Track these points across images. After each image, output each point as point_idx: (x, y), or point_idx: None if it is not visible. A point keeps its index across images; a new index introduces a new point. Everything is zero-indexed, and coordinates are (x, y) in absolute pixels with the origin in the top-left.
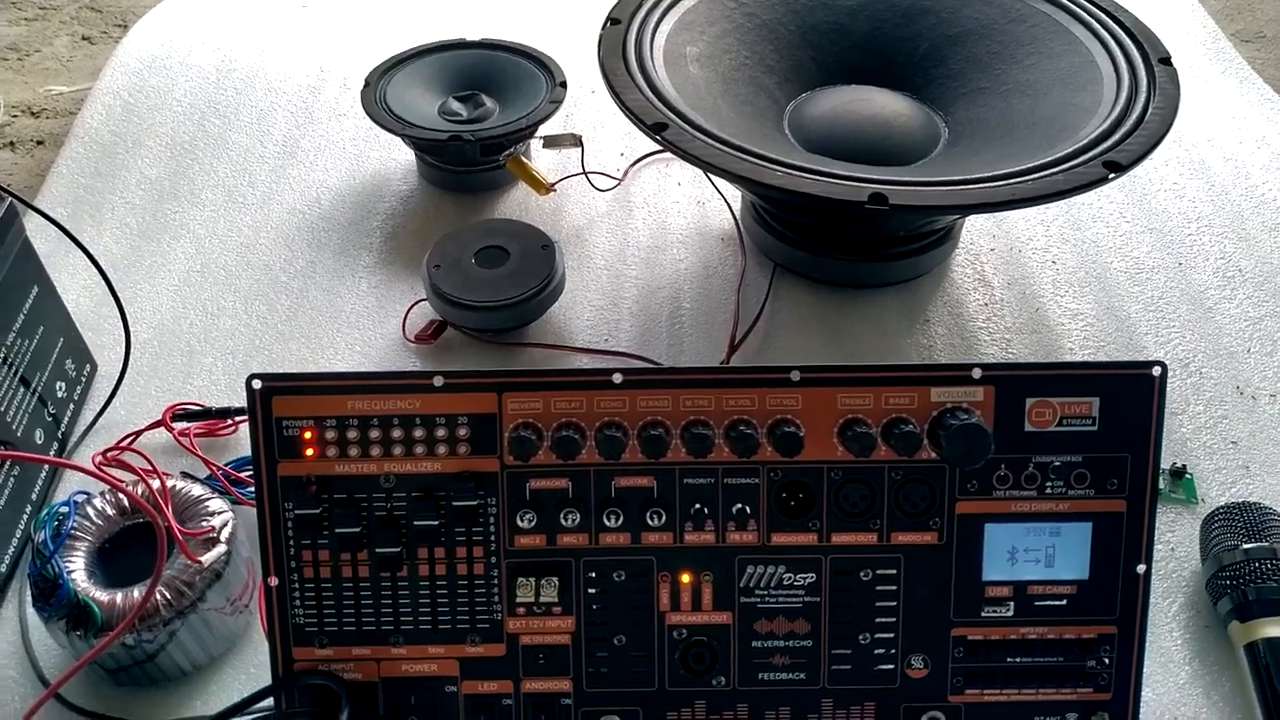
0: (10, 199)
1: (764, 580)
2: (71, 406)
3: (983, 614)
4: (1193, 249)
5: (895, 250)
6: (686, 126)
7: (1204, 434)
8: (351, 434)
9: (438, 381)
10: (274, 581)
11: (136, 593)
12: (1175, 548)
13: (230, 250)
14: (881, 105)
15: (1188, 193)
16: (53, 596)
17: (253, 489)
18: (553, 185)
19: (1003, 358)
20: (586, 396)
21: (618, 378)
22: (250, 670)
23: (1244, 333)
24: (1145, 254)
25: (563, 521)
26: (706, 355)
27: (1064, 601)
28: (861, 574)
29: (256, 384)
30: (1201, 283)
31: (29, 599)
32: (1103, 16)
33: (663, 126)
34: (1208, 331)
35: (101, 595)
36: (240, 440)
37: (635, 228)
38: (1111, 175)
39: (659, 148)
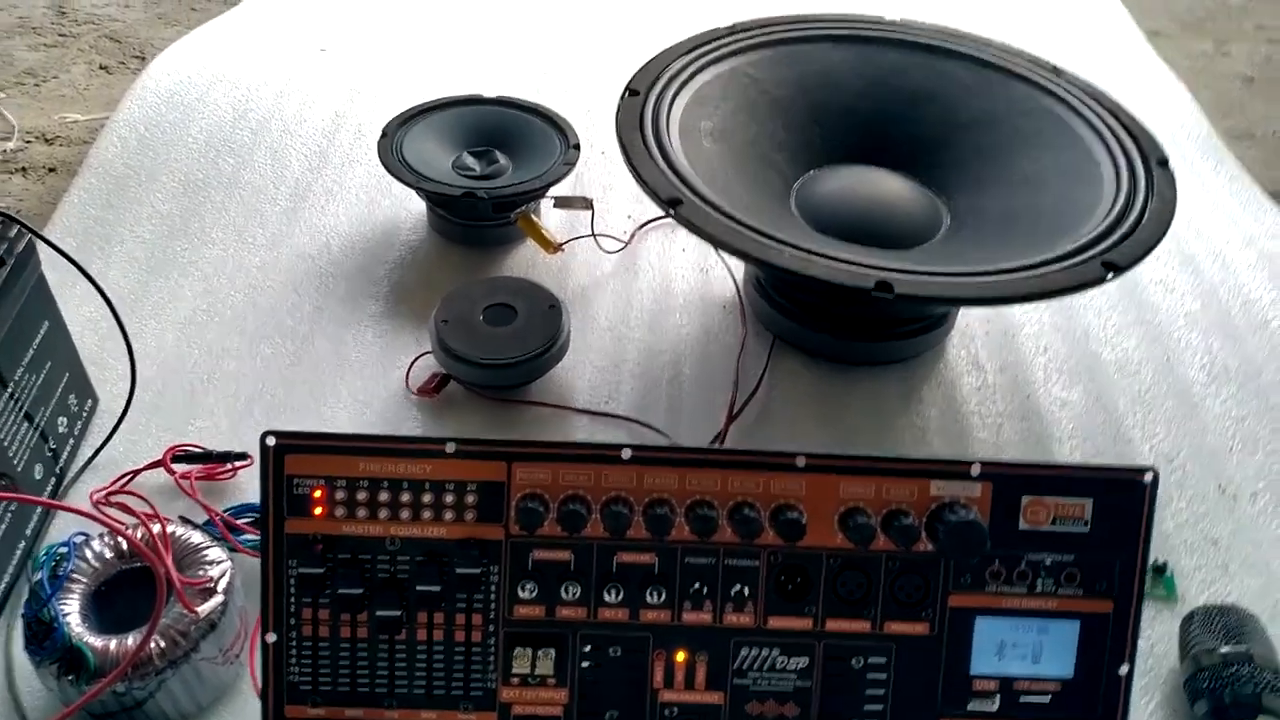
0: (30, 235)
1: (758, 663)
2: (71, 442)
3: (969, 707)
4: (1180, 344)
5: (893, 331)
6: (699, 202)
7: (1185, 531)
8: (361, 495)
9: (450, 448)
10: (272, 638)
11: (131, 640)
12: (1154, 644)
13: (238, 291)
14: (887, 188)
15: (1177, 288)
16: (47, 640)
17: (250, 537)
18: (561, 245)
19: (993, 443)
20: (594, 470)
21: (626, 453)
22: None
23: (1227, 431)
24: (1134, 347)
25: (563, 594)
26: (705, 422)
27: (1048, 698)
28: (853, 661)
29: (270, 440)
30: (1188, 379)
31: (17, 637)
32: (1105, 114)
33: (677, 202)
34: (1192, 428)
35: (95, 641)
36: (239, 486)
37: (640, 291)
38: (1110, 276)
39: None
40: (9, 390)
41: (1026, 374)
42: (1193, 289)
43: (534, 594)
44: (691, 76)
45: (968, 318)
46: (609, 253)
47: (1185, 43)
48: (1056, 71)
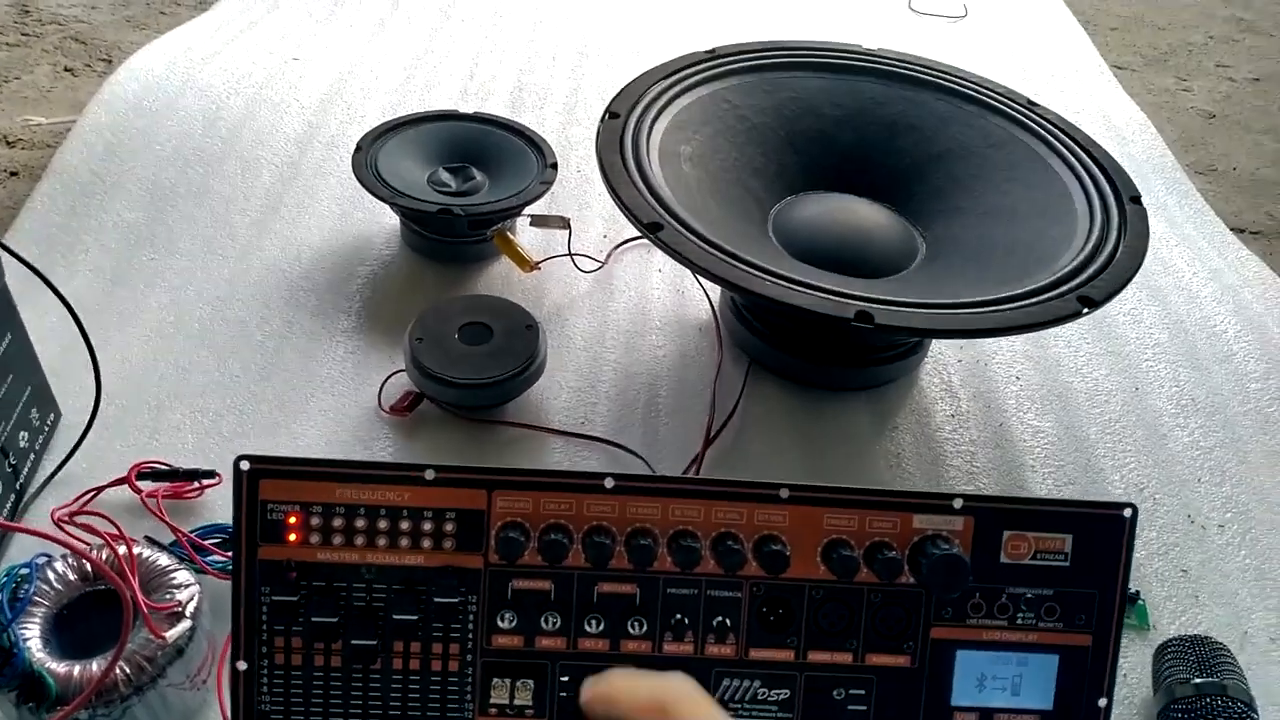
0: None
1: (739, 694)
2: (32, 457)
3: None
4: (1149, 375)
5: (868, 357)
6: (680, 228)
7: (1156, 560)
8: (337, 521)
9: (429, 475)
10: (243, 666)
11: (95, 665)
12: (1127, 674)
13: (206, 303)
14: (863, 217)
15: (1145, 319)
16: (6, 666)
17: (218, 558)
18: (538, 264)
19: (967, 470)
20: (576, 499)
21: (609, 482)
22: None
23: (1195, 462)
24: (1104, 376)
25: (543, 624)
26: (681, 446)
27: None
28: (835, 693)
29: (244, 465)
30: (1156, 409)
31: None
32: (1078, 150)
33: (658, 227)
34: (1161, 458)
35: (58, 667)
36: (207, 504)
37: (616, 311)
38: (1085, 310)
39: (639, 234)
40: None
41: (999, 402)
42: (1160, 320)
43: (513, 624)
44: (671, 101)
45: (941, 345)
46: (585, 272)
47: (1149, 78)
48: (1031, 104)
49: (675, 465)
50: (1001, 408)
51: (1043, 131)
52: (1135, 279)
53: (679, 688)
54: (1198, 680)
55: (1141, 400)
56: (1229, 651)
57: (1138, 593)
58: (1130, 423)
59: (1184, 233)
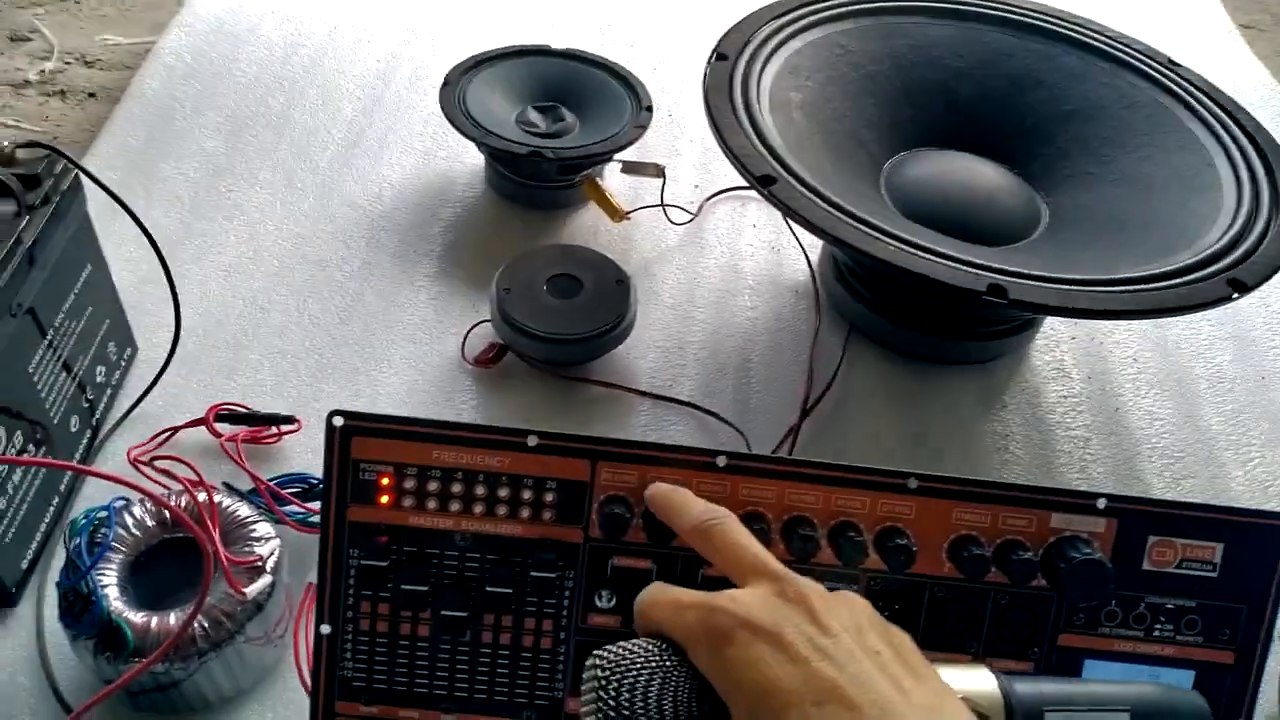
0: (75, 171)
1: None
2: (109, 392)
3: None
4: (1277, 363)
5: (978, 330)
6: (793, 182)
7: None
8: (431, 485)
9: (531, 441)
10: (326, 629)
11: (173, 618)
12: None
13: (285, 239)
14: (983, 177)
15: (1273, 303)
16: (84, 614)
17: (296, 509)
18: (628, 213)
19: (1080, 457)
20: (685, 476)
21: (721, 461)
22: (279, 709)
23: None
24: (1228, 363)
25: None
26: (775, 415)
27: None
28: None
29: (338, 421)
30: None
31: (49, 600)
32: (1223, 116)
33: (770, 180)
34: None
35: (135, 617)
36: (284, 452)
37: (707, 268)
38: (1235, 295)
39: (734, 185)
40: (48, 338)
41: (1115, 385)
42: None
43: (611, 603)
44: (782, 43)
45: (1054, 321)
46: (676, 224)
47: (1279, 38)
48: (1172, 64)
49: (768, 436)
50: (1118, 391)
51: (1185, 95)
52: None
53: (724, 513)
54: None
55: (1268, 391)
56: None
57: None
58: (1255, 414)
59: None
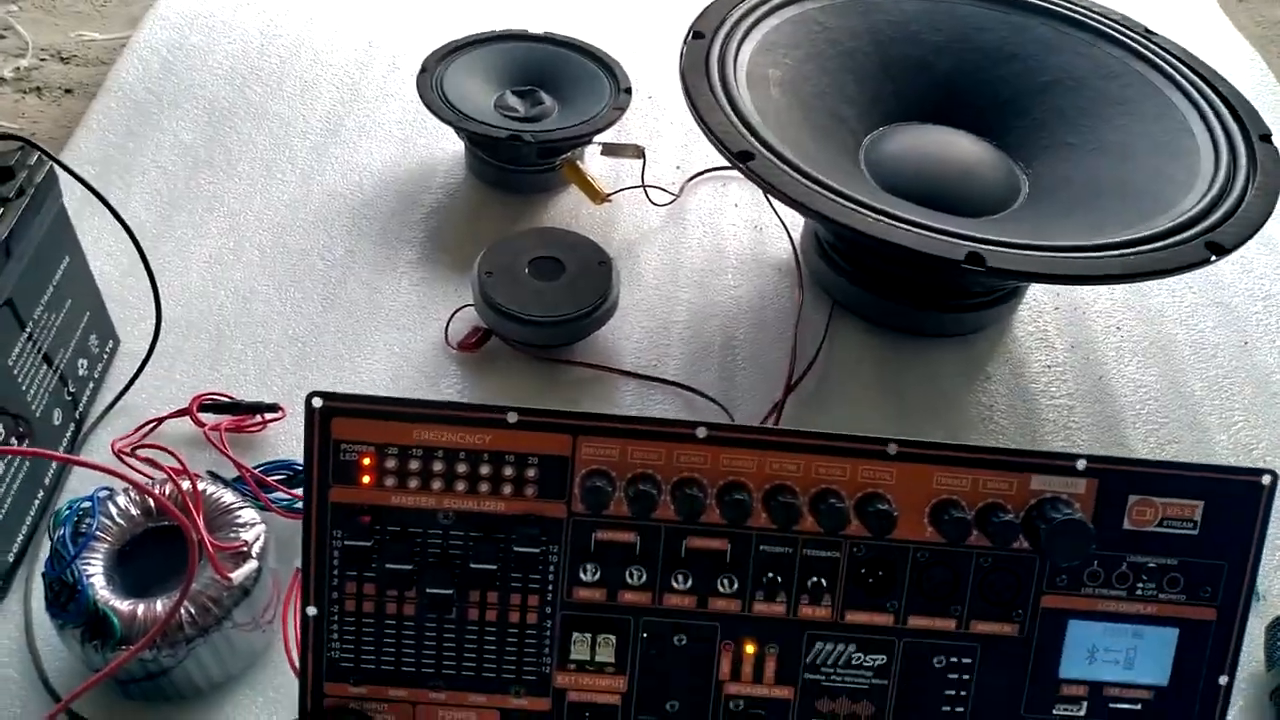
0: (50, 163)
1: (832, 658)
2: (92, 385)
3: (1054, 711)
4: (1259, 329)
5: (961, 302)
6: (771, 158)
7: (1269, 529)
8: (413, 465)
9: (512, 418)
10: (312, 611)
11: (159, 605)
12: None
13: (266, 229)
14: (962, 150)
15: (1255, 268)
16: (70, 603)
17: (282, 496)
18: (609, 195)
19: (1064, 425)
20: (666, 448)
21: (701, 432)
22: (269, 693)
23: None
24: (1210, 329)
25: (627, 578)
26: (760, 392)
27: (1139, 706)
28: (935, 660)
29: (317, 402)
30: (1267, 365)
31: (36, 592)
32: (1199, 83)
33: (748, 156)
34: (1272, 418)
35: (121, 605)
36: (268, 440)
37: (689, 248)
38: (1213, 258)
39: (716, 165)
40: (27, 331)
41: (1098, 353)
42: (1273, 271)
43: (596, 577)
44: (758, 21)
45: (1036, 291)
46: (658, 205)
47: (1259, 8)
48: (1149, 33)
49: (754, 412)
50: (1101, 359)
51: (1161, 63)
52: None
53: None
54: None
55: (1250, 355)
56: None
57: None
58: (1239, 379)
59: None
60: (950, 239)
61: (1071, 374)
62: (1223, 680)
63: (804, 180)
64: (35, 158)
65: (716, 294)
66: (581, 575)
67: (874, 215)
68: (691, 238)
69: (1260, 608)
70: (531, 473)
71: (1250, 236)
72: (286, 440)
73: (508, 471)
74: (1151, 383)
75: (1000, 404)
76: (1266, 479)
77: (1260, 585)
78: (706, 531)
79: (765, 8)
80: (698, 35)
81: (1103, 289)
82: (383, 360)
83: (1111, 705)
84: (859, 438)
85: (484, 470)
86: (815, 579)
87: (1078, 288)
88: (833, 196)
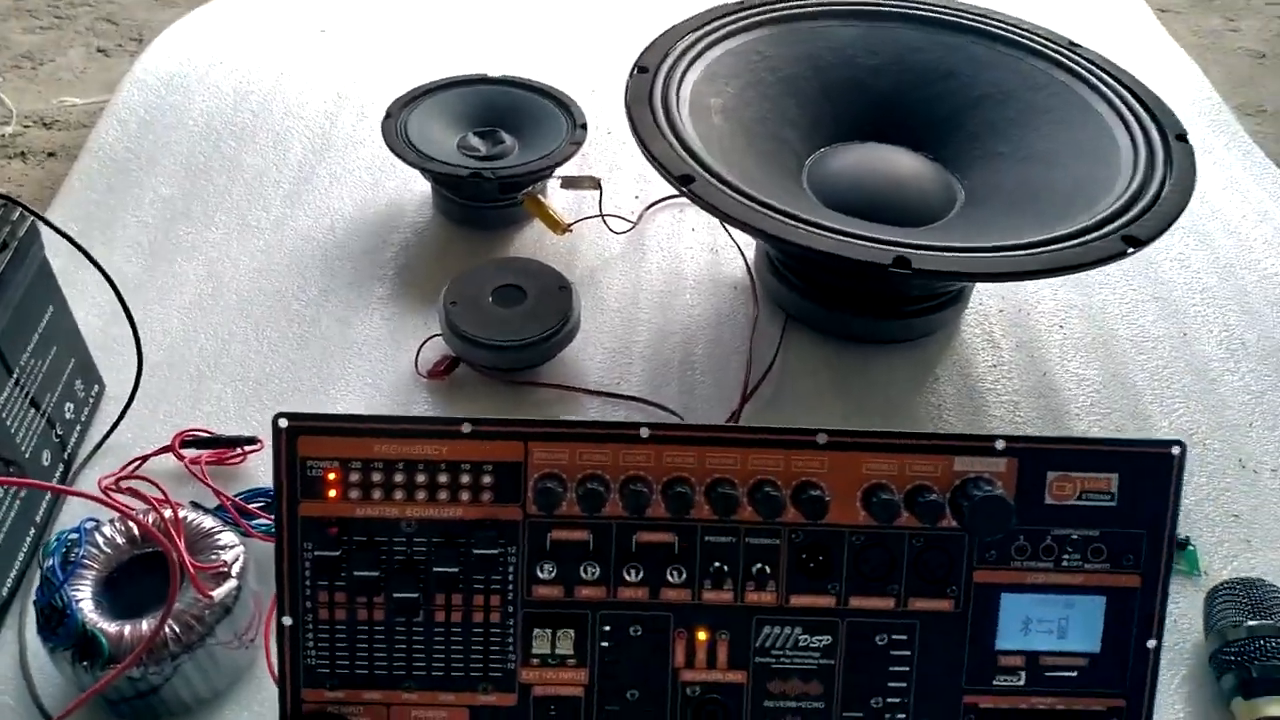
0: (32, 218)
1: (780, 641)
2: (79, 428)
3: (994, 682)
4: (1197, 320)
5: (907, 309)
6: (711, 179)
7: (1206, 506)
8: (376, 477)
9: (465, 428)
10: (288, 621)
11: (145, 625)
12: (1178, 619)
13: (243, 274)
14: (900, 165)
15: (1192, 264)
16: (60, 626)
17: (262, 521)
18: (569, 226)
19: (1011, 420)
20: (612, 449)
21: (644, 432)
22: (254, 708)
23: (1247, 406)
24: (1151, 323)
25: (582, 574)
26: (718, 403)
27: (1075, 673)
28: (877, 638)
29: (283, 423)
30: (1205, 354)
31: (29, 624)
32: (1121, 90)
33: (689, 179)
34: (1211, 403)
35: (109, 626)
36: (249, 470)
37: (649, 271)
38: (1130, 250)
39: (674, 192)
40: (14, 376)
41: (1043, 351)
42: (1209, 264)
43: (553, 574)
44: (701, 53)
45: (982, 295)
46: (617, 233)
47: (1195, 19)
48: (1073, 46)
49: (713, 422)
50: (1045, 357)
51: (1084, 73)
52: (1182, 222)
53: None
54: (1251, 622)
55: (1190, 346)
56: None
57: (1188, 539)
58: (1179, 368)
59: (1232, 175)
60: (879, 245)
61: (1017, 372)
62: (1151, 644)
63: (743, 199)
64: (18, 213)
65: (675, 313)
66: (539, 574)
67: (806, 227)
68: (651, 262)
69: (1201, 581)
70: (487, 479)
71: (1166, 228)
72: (266, 470)
73: (464, 479)
74: (1094, 376)
75: (949, 403)
76: (1176, 449)
77: (1201, 561)
78: (654, 526)
79: (706, 41)
80: (642, 70)
81: (1046, 291)
82: (356, 392)
83: (1048, 674)
84: (790, 430)
85: (442, 479)
86: (759, 566)
87: (1022, 291)
88: (768, 213)
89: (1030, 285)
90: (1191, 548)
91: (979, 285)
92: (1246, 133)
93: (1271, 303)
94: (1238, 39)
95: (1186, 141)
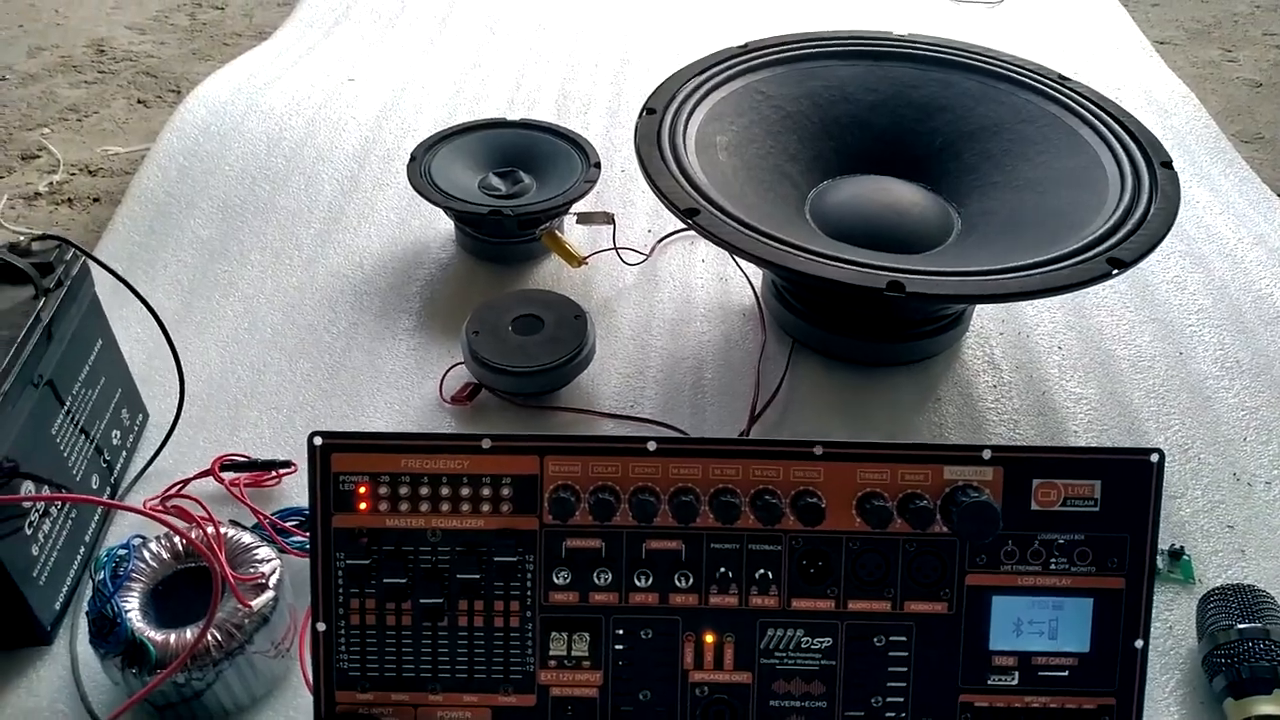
0: (83, 258)
1: (783, 643)
2: (124, 454)
3: (989, 682)
4: (1193, 340)
5: (909, 332)
6: (716, 212)
7: (1201, 518)
8: (403, 490)
9: (485, 444)
10: (322, 627)
11: (189, 633)
12: (1173, 626)
13: (277, 309)
14: (898, 195)
15: (1188, 286)
16: (110, 634)
17: (297, 538)
18: (585, 259)
19: (1011, 438)
20: (622, 462)
21: (652, 445)
22: (289, 713)
23: (1241, 422)
24: (1147, 343)
25: (595, 580)
26: (727, 425)
27: (1066, 673)
28: (875, 640)
29: (318, 441)
30: (1201, 372)
31: (81, 635)
32: (1109, 120)
33: (694, 212)
34: (1206, 419)
35: (156, 634)
36: (284, 491)
37: (661, 301)
38: (1115, 271)
39: (683, 226)
40: (66, 406)
41: (1042, 372)
42: (1204, 286)
43: (568, 580)
44: (706, 95)
45: (982, 319)
46: (630, 265)
47: (1193, 51)
48: (1062, 79)
49: None
50: (1044, 377)
51: (1074, 104)
52: (1178, 247)
53: None
54: (1241, 625)
55: (1185, 365)
56: (1273, 599)
57: (1183, 548)
58: (1174, 386)
59: (1228, 200)
60: (874, 270)
61: (1017, 392)
62: (1138, 644)
63: (746, 230)
64: (71, 253)
65: (687, 340)
66: (555, 580)
67: (806, 255)
68: (663, 291)
69: (1196, 589)
70: (506, 491)
71: (1149, 251)
72: (300, 491)
73: (485, 491)
74: (1092, 396)
75: (950, 422)
76: (1154, 456)
77: (1196, 570)
78: (662, 534)
79: (711, 83)
80: (650, 111)
81: (1045, 314)
82: (384, 418)
83: (1041, 673)
84: (789, 441)
85: (464, 491)
86: (761, 571)
87: (1021, 314)
88: (770, 242)
89: (1029, 309)
90: (1187, 557)
91: (979, 309)
92: (1244, 159)
93: (1265, 321)
94: (1235, 69)
95: (1171, 168)
